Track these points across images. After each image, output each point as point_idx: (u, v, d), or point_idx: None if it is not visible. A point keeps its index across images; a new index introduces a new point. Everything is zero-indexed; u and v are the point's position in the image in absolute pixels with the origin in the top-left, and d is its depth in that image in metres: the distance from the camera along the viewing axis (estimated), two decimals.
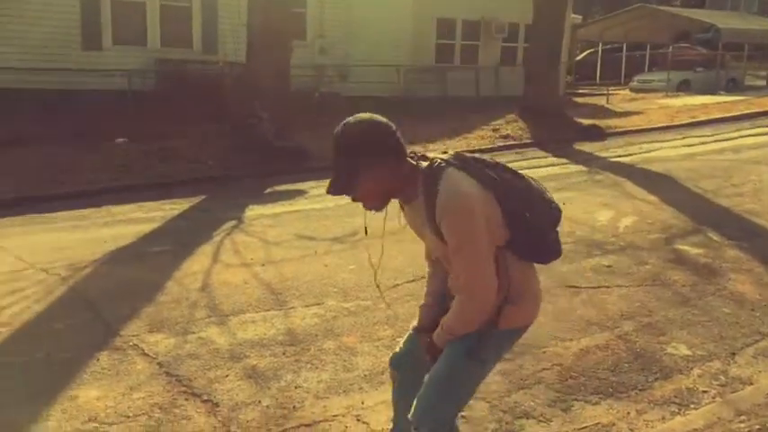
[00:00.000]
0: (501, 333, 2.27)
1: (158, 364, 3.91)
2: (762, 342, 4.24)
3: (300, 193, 9.05)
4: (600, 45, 26.96)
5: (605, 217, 7.29)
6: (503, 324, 2.24)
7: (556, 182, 9.34)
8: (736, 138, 13.68)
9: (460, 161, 2.20)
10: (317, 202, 8.36)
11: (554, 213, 2.33)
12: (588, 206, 7.73)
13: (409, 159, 2.20)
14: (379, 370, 3.85)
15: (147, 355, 4.01)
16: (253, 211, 7.99)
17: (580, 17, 27.89)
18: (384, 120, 2.17)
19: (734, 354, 4.07)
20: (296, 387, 3.68)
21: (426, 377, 2.31)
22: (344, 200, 9.33)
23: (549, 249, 2.31)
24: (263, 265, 5.76)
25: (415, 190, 2.18)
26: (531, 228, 2.21)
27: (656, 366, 3.90)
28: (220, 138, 11.62)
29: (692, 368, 3.88)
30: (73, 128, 11.66)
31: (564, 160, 11.69)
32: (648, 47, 28.22)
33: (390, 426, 2.73)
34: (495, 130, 14.42)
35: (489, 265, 2.14)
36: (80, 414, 3.36)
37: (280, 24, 11.15)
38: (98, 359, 3.95)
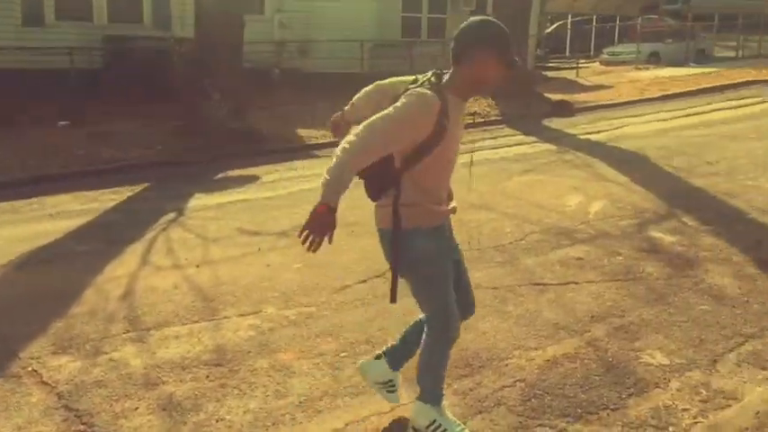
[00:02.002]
0: None
1: (57, 394, 3.35)
2: (745, 345, 3.83)
3: (253, 179, 8.44)
4: (570, 17, 26.51)
5: (575, 201, 6.83)
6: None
7: (524, 162, 8.87)
8: (708, 111, 13.34)
9: None
10: (269, 190, 7.77)
11: None
12: (557, 190, 7.27)
13: None
14: (317, 395, 3.34)
15: (47, 384, 3.44)
16: (197, 200, 7.38)
17: None
18: None
19: (715, 361, 3.65)
20: (217, 420, 3.16)
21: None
22: (297, 187, 8.55)
23: None
24: (198, 266, 5.18)
25: None
26: None
27: (630, 379, 3.46)
28: (170, 119, 10.93)
29: (669, 380, 3.45)
30: (8, 111, 10.87)
31: (533, 138, 11.23)
32: (618, 19, 27.84)
33: None
34: None
35: None
36: None
37: None
38: None
